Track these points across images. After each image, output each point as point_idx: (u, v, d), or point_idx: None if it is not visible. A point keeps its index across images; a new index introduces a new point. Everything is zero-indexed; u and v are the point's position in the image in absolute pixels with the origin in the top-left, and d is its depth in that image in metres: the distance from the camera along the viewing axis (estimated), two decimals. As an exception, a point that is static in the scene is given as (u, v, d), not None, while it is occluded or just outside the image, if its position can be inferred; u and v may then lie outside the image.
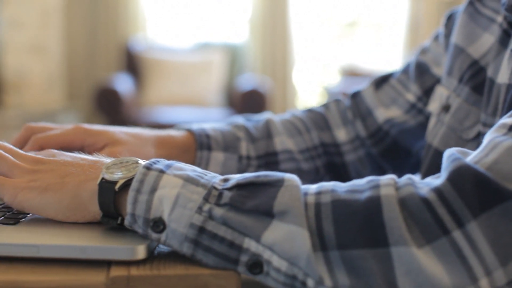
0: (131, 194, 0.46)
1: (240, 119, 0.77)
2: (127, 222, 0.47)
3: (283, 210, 0.43)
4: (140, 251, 0.46)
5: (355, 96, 0.80)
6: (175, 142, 0.70)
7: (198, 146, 0.70)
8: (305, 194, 0.45)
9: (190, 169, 0.48)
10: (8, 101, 4.38)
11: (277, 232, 0.43)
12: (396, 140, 0.76)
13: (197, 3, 4.55)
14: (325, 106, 0.80)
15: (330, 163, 0.76)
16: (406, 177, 0.45)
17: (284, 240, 0.43)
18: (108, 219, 0.48)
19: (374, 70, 4.06)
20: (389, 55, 4.81)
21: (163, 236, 0.45)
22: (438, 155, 0.67)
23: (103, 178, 0.48)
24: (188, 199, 0.45)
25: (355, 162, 0.77)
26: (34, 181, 0.51)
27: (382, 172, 0.78)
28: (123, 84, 3.63)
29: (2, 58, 4.34)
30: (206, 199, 0.45)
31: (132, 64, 3.96)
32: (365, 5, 4.79)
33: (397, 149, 0.76)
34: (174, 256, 0.48)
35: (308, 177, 0.74)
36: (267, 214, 0.44)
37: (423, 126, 0.75)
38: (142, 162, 0.49)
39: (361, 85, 0.80)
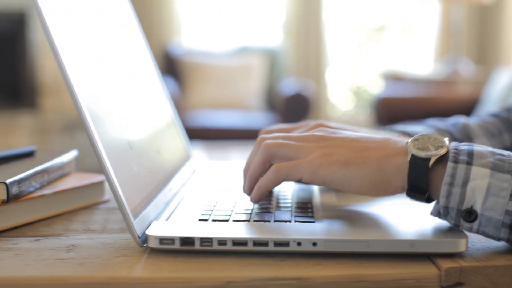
0: (444, 188, 0.50)
1: (434, 122, 0.81)
2: (434, 212, 0.51)
3: None
4: (463, 244, 0.50)
5: None
6: None
7: None
8: None
9: (489, 153, 0.50)
10: (46, 104, 4.43)
11: None
12: None
13: (229, 7, 4.59)
14: (509, 110, 0.85)
15: None
16: None
17: None
18: (414, 193, 0.52)
19: (416, 75, 4.09)
20: (421, 59, 4.85)
21: (475, 225, 0.49)
22: None
23: (413, 155, 0.51)
24: (499, 188, 0.48)
25: None
26: (329, 155, 0.52)
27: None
28: (167, 88, 3.67)
29: (39, 62, 4.39)
30: None
31: (172, 68, 4.00)
32: (397, 10, 4.83)
33: None
34: (480, 248, 0.52)
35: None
36: None
37: None
38: (445, 140, 0.52)
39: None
